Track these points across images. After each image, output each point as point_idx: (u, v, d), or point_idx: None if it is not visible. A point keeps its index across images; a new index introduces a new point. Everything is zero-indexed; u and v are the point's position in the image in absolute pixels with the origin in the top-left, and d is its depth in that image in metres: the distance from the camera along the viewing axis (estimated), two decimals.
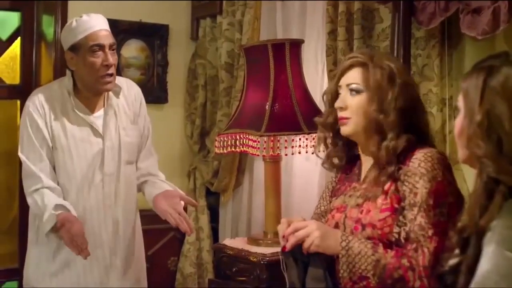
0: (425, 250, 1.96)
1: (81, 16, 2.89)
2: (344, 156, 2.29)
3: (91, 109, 2.94)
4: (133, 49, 4.23)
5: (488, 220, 1.59)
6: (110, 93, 2.95)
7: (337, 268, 2.07)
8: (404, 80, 2.13)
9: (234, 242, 3.52)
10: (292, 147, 3.34)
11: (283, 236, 2.11)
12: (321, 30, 3.54)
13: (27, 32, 4.10)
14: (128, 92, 3.04)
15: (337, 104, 2.19)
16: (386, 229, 2.05)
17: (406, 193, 2.04)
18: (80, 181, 2.90)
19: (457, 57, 2.91)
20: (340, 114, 2.18)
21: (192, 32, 4.43)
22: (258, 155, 3.38)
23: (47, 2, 4.04)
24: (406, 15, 2.90)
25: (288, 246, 2.08)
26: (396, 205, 2.06)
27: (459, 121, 1.73)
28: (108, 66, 2.84)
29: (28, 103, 2.92)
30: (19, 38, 4.13)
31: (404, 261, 1.98)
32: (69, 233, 2.66)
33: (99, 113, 2.95)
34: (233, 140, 3.32)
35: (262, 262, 3.22)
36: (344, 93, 2.19)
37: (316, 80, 3.60)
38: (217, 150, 3.46)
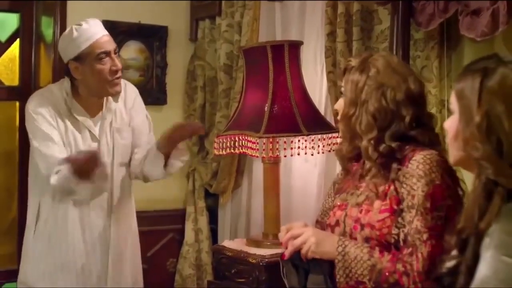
0: (419, 255, 1.96)
1: (79, 24, 2.88)
2: (352, 149, 2.28)
3: (91, 113, 2.94)
4: (132, 51, 4.23)
5: (487, 223, 1.59)
6: (110, 97, 2.95)
7: (335, 273, 2.08)
8: (381, 83, 2.13)
9: (233, 244, 3.51)
10: (291, 148, 3.34)
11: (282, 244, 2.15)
12: (320, 31, 3.54)
13: (26, 34, 4.09)
14: (125, 94, 3.05)
15: (334, 106, 2.26)
16: (384, 230, 2.06)
17: (404, 195, 2.05)
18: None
19: (456, 59, 2.91)
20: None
21: (191, 34, 4.43)
22: (257, 156, 3.38)
23: (46, 3, 4.04)
24: (405, 16, 2.90)
25: (287, 254, 2.11)
26: (395, 206, 2.06)
27: (453, 124, 1.74)
28: (117, 71, 2.86)
29: (29, 105, 2.92)
30: (18, 40, 4.12)
31: (399, 266, 1.98)
32: (80, 158, 2.66)
33: (98, 117, 2.95)
34: (232, 142, 3.32)
35: (261, 264, 3.22)
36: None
37: (315, 82, 3.60)
38: (216, 152, 3.45)
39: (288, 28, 3.81)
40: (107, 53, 2.85)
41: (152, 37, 4.30)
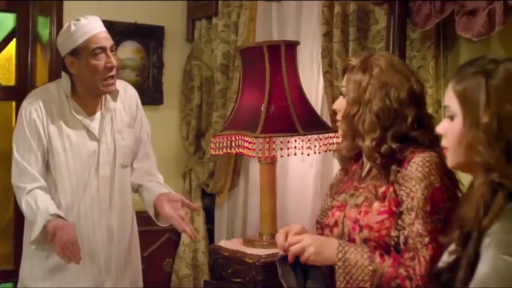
0: (422, 258, 1.96)
1: (78, 20, 2.88)
2: (352, 148, 2.27)
3: (89, 112, 2.94)
4: (128, 51, 4.23)
5: (489, 220, 1.60)
6: (108, 96, 2.95)
7: (335, 277, 2.08)
8: (384, 82, 2.13)
9: (229, 244, 3.51)
10: (288, 148, 3.34)
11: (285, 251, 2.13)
12: (316, 31, 3.54)
13: (23, 33, 4.09)
14: (125, 95, 3.04)
15: (333, 106, 2.26)
16: (383, 232, 2.05)
17: (403, 197, 2.04)
18: (75, 184, 2.90)
19: (452, 59, 2.92)
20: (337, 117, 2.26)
21: (188, 34, 4.43)
22: (253, 156, 3.37)
23: (43, 3, 4.03)
24: (402, 16, 2.90)
25: (290, 259, 2.10)
26: (394, 208, 2.06)
27: (455, 127, 1.72)
28: (111, 68, 2.85)
29: (25, 103, 2.92)
30: (14, 39, 4.12)
31: (402, 271, 1.98)
32: (61, 241, 2.64)
33: (96, 116, 2.95)
34: (229, 142, 3.32)
35: (257, 264, 3.22)
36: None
37: (312, 82, 3.60)
38: (212, 152, 3.45)
39: (285, 28, 3.81)
40: (103, 49, 2.85)
41: (149, 37, 4.30)
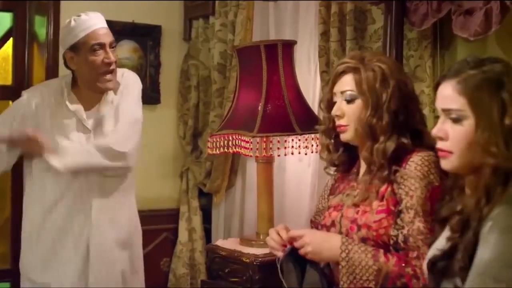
0: (424, 256, 1.94)
1: (79, 15, 2.89)
2: (345, 160, 2.29)
3: (87, 105, 2.93)
4: (125, 50, 4.22)
5: (491, 207, 1.60)
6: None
7: (337, 275, 2.07)
8: (397, 80, 2.13)
9: (226, 243, 3.52)
10: (285, 148, 3.34)
11: (283, 245, 2.13)
12: (313, 31, 3.54)
13: (19, 33, 4.08)
14: (122, 83, 3.02)
15: (334, 112, 2.20)
16: (381, 231, 2.05)
17: (402, 196, 2.04)
18: (66, 175, 2.88)
19: (449, 58, 2.92)
20: (338, 122, 2.20)
21: (185, 33, 4.42)
22: (250, 156, 3.38)
23: (40, 3, 4.03)
24: (399, 16, 2.90)
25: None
26: (392, 207, 2.06)
27: (464, 130, 1.69)
28: (109, 64, 2.85)
29: (24, 93, 2.99)
30: (11, 39, 4.11)
31: (408, 270, 1.98)
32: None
33: (94, 109, 2.95)
34: (226, 141, 3.32)
35: (254, 263, 3.22)
36: (339, 100, 2.19)
37: (309, 81, 3.60)
38: (209, 151, 3.46)
39: (282, 27, 3.81)
40: (102, 45, 2.85)
41: (146, 36, 4.30)
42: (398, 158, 2.10)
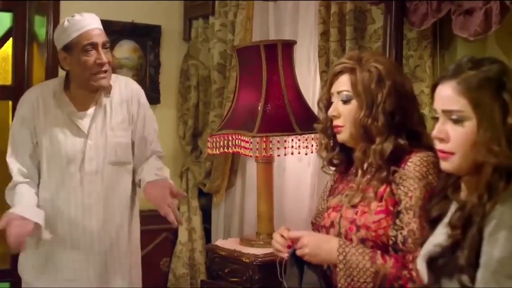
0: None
1: (73, 16, 2.88)
2: (343, 159, 2.29)
3: (81, 107, 2.93)
4: (125, 50, 4.23)
5: (493, 204, 1.59)
6: (102, 92, 2.95)
7: (334, 277, 2.07)
8: (393, 80, 2.12)
9: (226, 243, 3.52)
10: (285, 148, 3.34)
11: (288, 246, 2.13)
12: (313, 31, 3.54)
13: (19, 33, 4.09)
14: (125, 90, 3.02)
15: (330, 112, 2.19)
16: (380, 231, 2.05)
17: (401, 196, 2.04)
18: (59, 178, 2.89)
19: (449, 58, 2.92)
20: (335, 122, 2.20)
21: (185, 33, 4.43)
22: (250, 155, 3.38)
23: (39, 3, 4.03)
24: (398, 16, 2.90)
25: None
26: (391, 208, 2.06)
27: (466, 131, 1.68)
28: (101, 64, 2.84)
29: (20, 99, 2.97)
30: (11, 39, 4.12)
31: (405, 273, 1.98)
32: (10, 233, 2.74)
33: (89, 112, 2.94)
34: (226, 141, 3.32)
35: (254, 263, 3.22)
36: (336, 100, 2.19)
37: (309, 81, 3.60)
38: (209, 151, 3.46)
39: (282, 27, 3.81)
40: (94, 45, 2.84)
41: (146, 36, 4.30)
42: (396, 158, 2.09)
